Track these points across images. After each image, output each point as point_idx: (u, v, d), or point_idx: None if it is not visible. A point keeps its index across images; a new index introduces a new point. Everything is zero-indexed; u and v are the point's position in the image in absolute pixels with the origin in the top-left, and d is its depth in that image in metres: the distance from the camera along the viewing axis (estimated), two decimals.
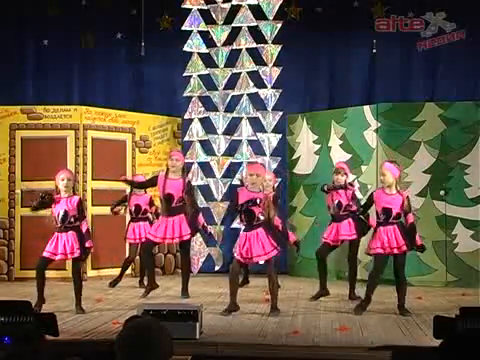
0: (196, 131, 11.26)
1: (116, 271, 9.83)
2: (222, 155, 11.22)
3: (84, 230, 7.61)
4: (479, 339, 3.38)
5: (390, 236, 7.44)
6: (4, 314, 4.31)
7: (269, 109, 11.13)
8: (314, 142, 11.07)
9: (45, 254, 7.54)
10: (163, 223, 8.54)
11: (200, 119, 11.26)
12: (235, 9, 11.17)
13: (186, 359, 4.85)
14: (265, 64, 11.13)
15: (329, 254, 8.70)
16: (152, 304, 6.74)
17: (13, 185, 10.61)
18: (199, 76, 11.25)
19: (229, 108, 11.27)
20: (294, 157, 11.38)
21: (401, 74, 11.58)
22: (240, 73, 11.18)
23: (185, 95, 11.32)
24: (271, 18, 11.07)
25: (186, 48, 11.20)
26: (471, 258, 9.87)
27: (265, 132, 11.15)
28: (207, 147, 11.25)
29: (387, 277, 7.79)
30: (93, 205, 10.66)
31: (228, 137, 11.24)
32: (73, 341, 5.85)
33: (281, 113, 11.19)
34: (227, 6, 11.19)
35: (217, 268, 11.08)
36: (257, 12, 11.08)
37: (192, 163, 11.08)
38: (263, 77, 11.14)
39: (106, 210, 9.98)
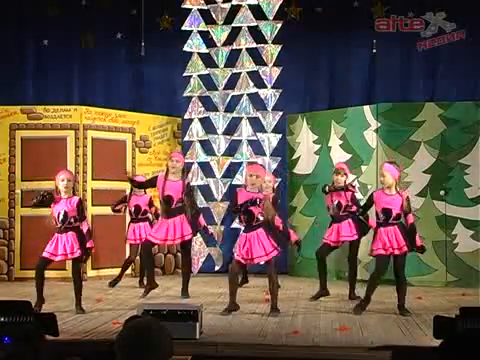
0: (196, 131, 11.26)
1: (116, 271, 9.83)
2: (222, 155, 11.22)
3: (85, 230, 7.61)
4: (479, 339, 3.38)
5: (391, 237, 7.43)
6: (4, 314, 4.31)
7: (269, 109, 11.13)
8: (314, 142, 11.07)
9: (45, 254, 7.54)
10: (164, 224, 8.50)
11: (200, 119, 11.26)
12: (235, 9, 11.17)
13: (186, 359, 4.85)
14: (265, 64, 11.13)
15: (329, 254, 8.70)
16: (152, 304, 6.75)
17: (13, 185, 10.61)
18: (199, 76, 11.25)
19: (229, 108, 11.27)
20: (294, 157, 11.38)
21: (401, 74, 11.58)
22: (240, 73, 11.18)
23: (185, 95, 11.32)
24: (271, 18, 11.07)
25: (186, 48, 11.20)
26: (471, 258, 9.87)
27: (265, 132, 11.15)
28: (207, 147, 11.25)
29: (387, 277, 7.78)
30: (93, 205, 10.66)
31: (228, 137, 11.24)
32: (73, 341, 5.85)
33: (281, 113, 11.19)
34: (227, 6, 11.19)
35: (217, 268, 11.08)
36: (257, 12, 11.08)
37: (192, 163, 11.08)
38: (263, 77, 11.14)
39: (106, 210, 9.99)
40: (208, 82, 11.24)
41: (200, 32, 11.22)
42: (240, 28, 11.16)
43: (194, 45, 11.21)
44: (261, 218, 7.38)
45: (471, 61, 11.26)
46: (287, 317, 7.23)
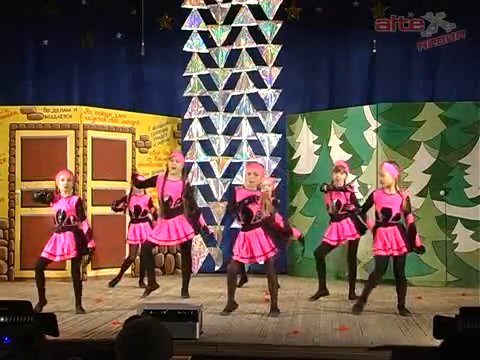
0: (196, 131, 11.26)
1: (116, 271, 9.83)
2: (222, 155, 11.22)
3: (85, 230, 7.60)
4: (479, 339, 3.38)
5: (390, 237, 7.43)
6: (4, 314, 4.31)
7: (269, 109, 11.13)
8: (314, 142, 11.07)
9: (43, 254, 7.54)
10: (164, 225, 8.46)
11: (200, 119, 11.26)
12: (235, 9, 11.17)
13: (186, 359, 4.85)
14: (265, 64, 11.13)
15: (328, 254, 8.70)
16: (152, 304, 6.75)
17: (13, 185, 10.61)
18: (199, 76, 11.25)
19: (229, 108, 11.27)
20: (294, 157, 11.37)
21: (401, 74, 11.57)
22: (240, 73, 11.18)
23: (185, 95, 11.32)
24: (271, 18, 11.07)
25: (186, 48, 11.20)
26: (471, 258, 9.87)
27: (265, 132, 11.15)
28: (207, 147, 11.25)
29: (387, 277, 7.79)
30: (93, 205, 10.66)
31: (228, 137, 11.24)
32: (73, 341, 5.85)
33: (281, 113, 11.19)
34: (227, 6, 11.19)
35: (217, 268, 11.08)
36: (257, 12, 11.08)
37: (192, 163, 11.08)
38: (263, 77, 11.14)
39: (106, 210, 9.99)
40: (208, 82, 11.24)
41: (200, 32, 11.22)
42: (240, 28, 11.16)
43: (194, 45, 11.21)
44: (260, 216, 7.37)
45: (471, 61, 11.26)
46: (287, 317, 7.23)
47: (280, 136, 11.19)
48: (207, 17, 11.17)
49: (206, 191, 11.13)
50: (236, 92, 11.18)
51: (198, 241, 10.82)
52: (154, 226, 9.13)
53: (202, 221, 8.88)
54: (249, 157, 11.03)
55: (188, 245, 8.84)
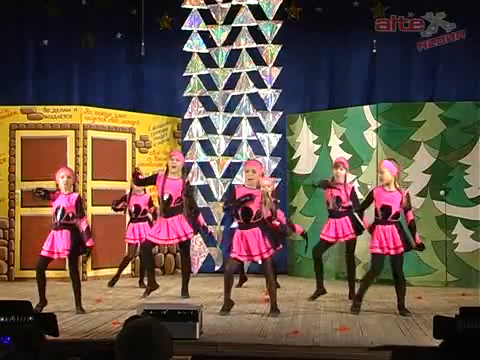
0: (196, 131, 11.26)
1: (116, 271, 9.82)
2: (222, 155, 11.22)
3: (84, 228, 7.59)
4: (479, 339, 3.38)
5: (388, 236, 7.44)
6: (4, 314, 4.31)
7: (269, 109, 11.13)
8: (314, 142, 11.07)
9: (43, 253, 7.54)
10: (164, 224, 8.45)
11: (200, 119, 11.26)
12: (235, 9, 11.17)
13: (186, 359, 4.85)
14: (265, 64, 11.13)
15: (325, 252, 8.69)
16: (152, 304, 6.75)
17: (13, 185, 10.61)
18: (199, 76, 11.25)
19: (229, 108, 11.27)
20: (294, 157, 11.37)
21: (401, 74, 11.58)
22: (240, 73, 11.18)
23: (185, 95, 11.32)
24: (271, 18, 11.07)
25: (186, 48, 11.20)
26: (471, 258, 9.87)
27: (265, 132, 11.15)
28: (207, 147, 11.25)
29: (387, 277, 7.79)
30: (93, 205, 10.65)
31: (228, 137, 11.24)
32: (73, 341, 5.85)
33: (281, 113, 11.19)
34: (227, 6, 11.19)
35: (217, 268, 11.07)
36: (257, 12, 11.09)
37: (192, 163, 11.08)
38: (263, 77, 11.14)
39: (106, 210, 9.99)
40: (208, 82, 11.24)
41: (200, 32, 11.22)
42: (240, 28, 11.16)
43: (194, 45, 11.22)
44: (260, 215, 7.37)
45: (471, 61, 11.26)
46: (287, 317, 7.23)
47: (280, 136, 11.19)
48: (207, 17, 11.17)
49: (206, 191, 11.13)
50: (236, 92, 11.18)
51: (198, 241, 10.82)
52: (153, 225, 9.13)
53: (201, 220, 8.88)
54: (249, 157, 11.01)
55: (187, 245, 8.85)
